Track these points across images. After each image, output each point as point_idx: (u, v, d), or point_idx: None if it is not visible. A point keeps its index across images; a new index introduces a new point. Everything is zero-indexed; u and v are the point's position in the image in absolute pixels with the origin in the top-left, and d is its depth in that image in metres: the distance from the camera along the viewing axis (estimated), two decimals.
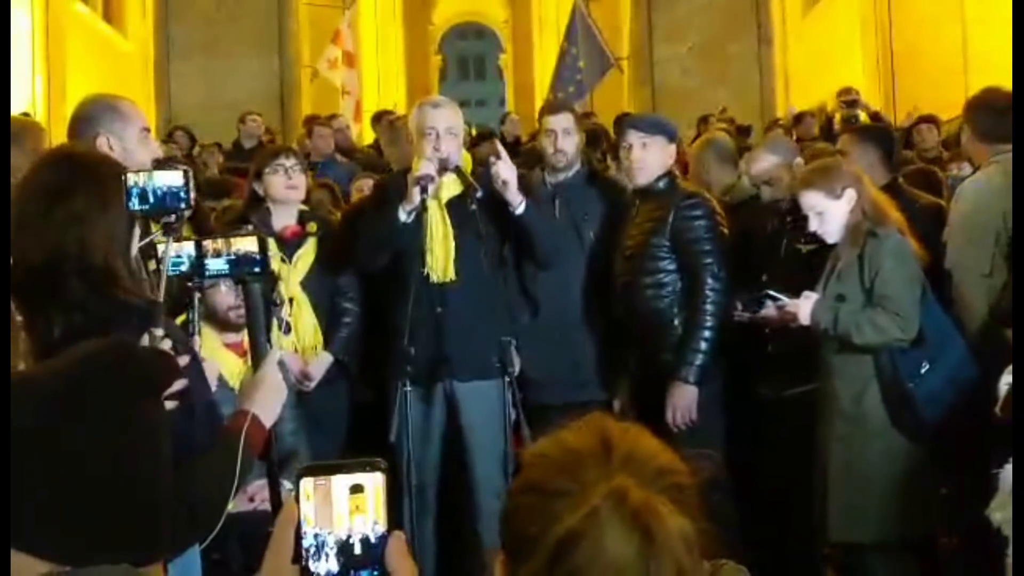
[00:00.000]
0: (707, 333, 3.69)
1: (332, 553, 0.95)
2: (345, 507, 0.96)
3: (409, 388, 3.47)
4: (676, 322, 3.78)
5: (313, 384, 3.77)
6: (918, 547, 3.37)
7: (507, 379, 3.48)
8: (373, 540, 0.96)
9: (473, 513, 3.67)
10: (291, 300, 3.73)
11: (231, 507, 2.02)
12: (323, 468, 0.97)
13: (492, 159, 3.58)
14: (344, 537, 0.95)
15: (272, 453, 2.20)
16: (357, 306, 3.95)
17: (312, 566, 0.95)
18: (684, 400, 3.68)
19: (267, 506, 3.13)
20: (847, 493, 3.26)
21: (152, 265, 2.20)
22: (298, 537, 0.96)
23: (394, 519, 0.98)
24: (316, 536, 0.95)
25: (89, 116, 2.59)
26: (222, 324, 3.36)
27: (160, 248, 2.10)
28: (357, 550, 0.95)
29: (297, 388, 3.60)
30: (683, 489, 1.03)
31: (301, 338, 3.78)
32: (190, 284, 2.21)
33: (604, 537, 0.97)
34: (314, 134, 7.93)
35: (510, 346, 3.51)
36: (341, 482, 0.96)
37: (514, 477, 3.23)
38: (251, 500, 3.14)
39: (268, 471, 2.26)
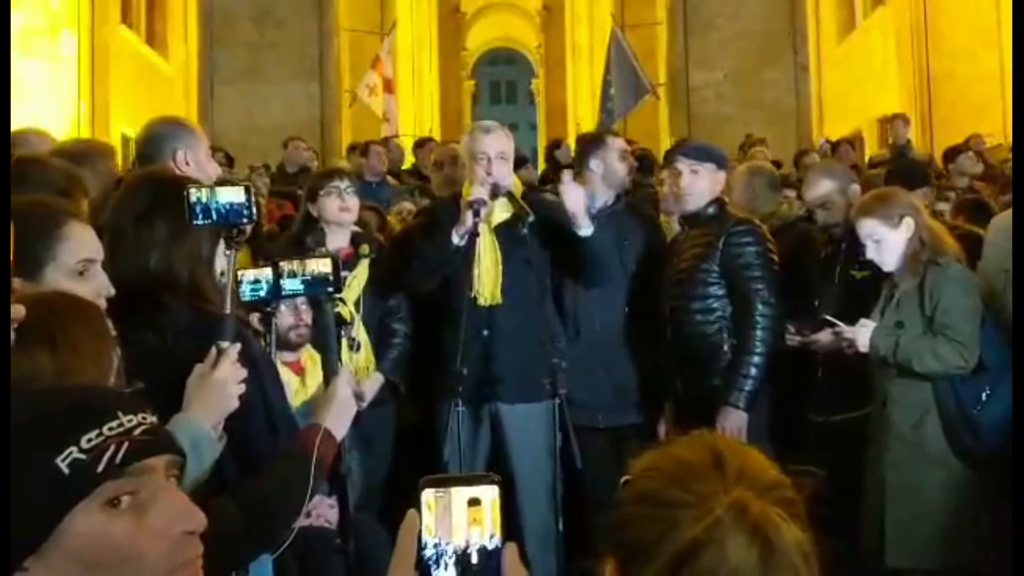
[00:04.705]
0: (757, 359, 3.70)
1: (451, 563, 0.99)
2: (463, 519, 1.00)
3: (461, 408, 3.51)
4: (725, 347, 3.79)
5: (365, 404, 3.82)
6: (967, 573, 3.36)
7: (557, 401, 3.50)
8: (490, 551, 1.00)
9: (520, 534, 3.70)
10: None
11: None
12: (442, 481, 1.01)
13: (563, 182, 3.63)
14: (462, 547, 0.99)
15: (342, 468, 2.25)
16: (407, 327, 4.01)
17: (433, 574, 0.99)
18: (734, 425, 3.67)
19: (323, 522, 3.20)
20: (905, 520, 3.26)
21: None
22: (419, 546, 1.00)
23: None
24: (436, 546, 0.99)
25: (165, 134, 2.74)
26: (282, 343, 3.44)
27: (223, 262, 2.15)
28: (474, 560, 0.99)
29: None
30: (793, 503, 1.08)
31: (354, 358, 3.84)
32: (268, 309, 2.27)
33: (726, 547, 1.03)
34: (370, 153, 8.05)
35: (560, 368, 3.53)
36: (460, 495, 1.00)
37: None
38: (308, 515, 3.19)
39: (339, 486, 2.31)
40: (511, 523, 3.64)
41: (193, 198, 2.02)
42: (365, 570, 2.57)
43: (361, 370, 3.86)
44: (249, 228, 3.85)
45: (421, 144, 9.48)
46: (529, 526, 3.67)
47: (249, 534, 1.91)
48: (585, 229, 3.64)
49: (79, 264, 1.90)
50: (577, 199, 3.59)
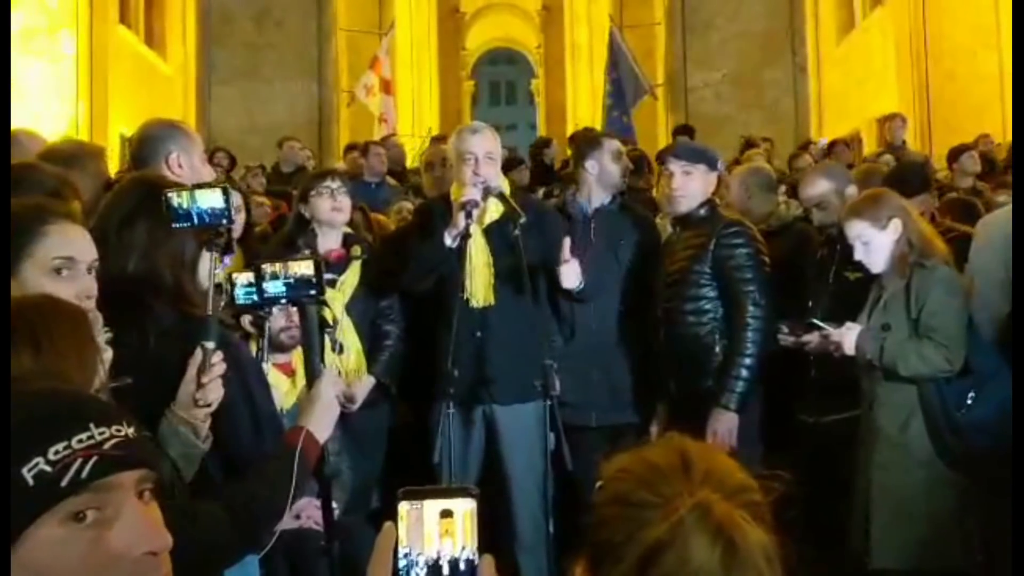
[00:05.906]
0: (748, 360, 3.70)
1: (423, 573, 1.01)
2: (435, 530, 1.01)
3: (452, 410, 3.51)
4: (717, 348, 3.79)
5: (356, 406, 3.82)
6: (953, 574, 3.36)
7: (548, 402, 3.49)
8: (462, 563, 1.01)
9: (511, 535, 3.70)
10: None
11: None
12: (419, 493, 1.03)
13: (562, 258, 3.69)
14: (434, 558, 1.01)
15: (325, 471, 2.25)
16: (399, 328, 4.00)
17: None
18: (724, 426, 3.68)
19: (311, 524, 3.19)
20: (890, 521, 3.26)
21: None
22: (395, 556, 1.02)
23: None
24: (407, 556, 1.01)
25: (159, 136, 2.75)
26: (275, 345, 3.44)
27: (207, 266, 2.15)
28: (446, 571, 1.01)
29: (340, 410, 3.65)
30: (759, 506, 1.09)
31: (345, 360, 3.84)
32: (261, 312, 2.26)
33: (689, 547, 1.04)
34: (370, 153, 8.04)
35: (552, 369, 3.53)
36: (432, 506, 1.02)
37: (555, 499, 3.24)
38: (297, 517, 3.19)
39: (321, 489, 2.31)
40: (502, 524, 3.64)
41: (174, 202, 2.03)
42: (351, 573, 2.56)
43: (352, 372, 3.86)
44: (239, 229, 3.89)
45: (435, 142, 9.46)
46: (520, 527, 3.68)
47: (236, 537, 1.92)
48: (576, 287, 3.77)
49: (56, 261, 1.88)
50: (574, 279, 3.73)
